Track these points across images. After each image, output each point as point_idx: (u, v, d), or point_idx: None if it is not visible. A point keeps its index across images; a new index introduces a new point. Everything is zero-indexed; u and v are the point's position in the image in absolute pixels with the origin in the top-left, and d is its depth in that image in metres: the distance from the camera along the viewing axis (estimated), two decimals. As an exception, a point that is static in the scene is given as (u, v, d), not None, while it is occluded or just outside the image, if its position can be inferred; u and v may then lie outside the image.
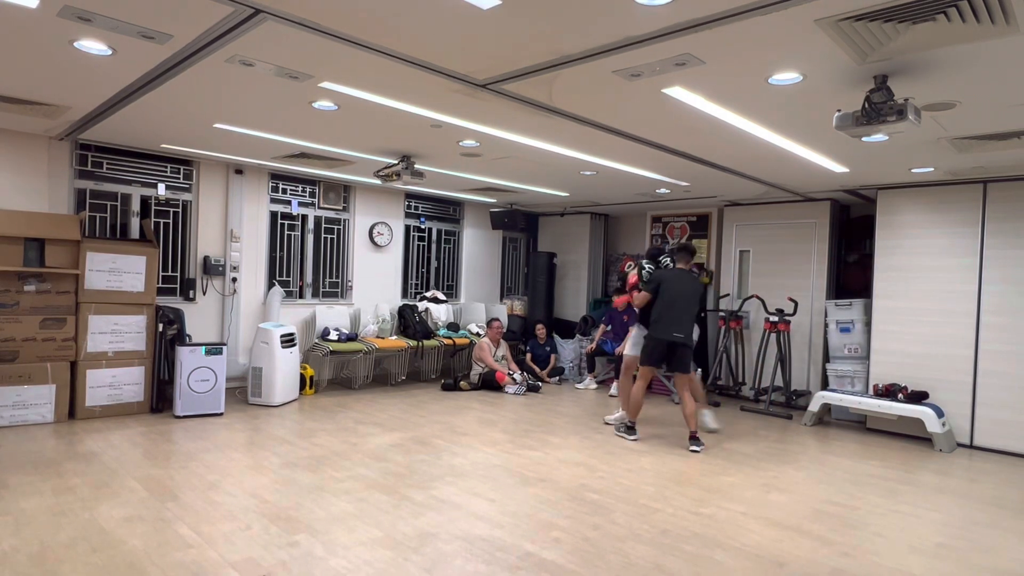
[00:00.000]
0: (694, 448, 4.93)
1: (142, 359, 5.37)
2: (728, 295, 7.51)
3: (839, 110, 3.15)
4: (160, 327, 5.45)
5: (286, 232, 6.95)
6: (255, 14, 2.65)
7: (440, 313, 7.92)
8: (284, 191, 6.87)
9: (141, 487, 3.62)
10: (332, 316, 7.04)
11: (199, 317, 6.21)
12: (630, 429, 5.25)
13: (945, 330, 5.64)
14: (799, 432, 5.80)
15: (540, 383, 7.42)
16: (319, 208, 7.18)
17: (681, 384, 5.24)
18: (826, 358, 6.68)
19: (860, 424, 6.16)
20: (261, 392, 5.85)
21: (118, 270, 5.26)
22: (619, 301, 7.70)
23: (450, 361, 7.78)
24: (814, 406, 6.09)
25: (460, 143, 4.89)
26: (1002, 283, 5.39)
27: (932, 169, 5.14)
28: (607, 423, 5.68)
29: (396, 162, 5.53)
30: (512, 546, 3.05)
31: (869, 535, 3.40)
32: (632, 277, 5.87)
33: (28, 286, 4.85)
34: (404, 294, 8.07)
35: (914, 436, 5.67)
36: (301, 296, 7.11)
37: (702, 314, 7.68)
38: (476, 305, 8.59)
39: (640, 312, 5.51)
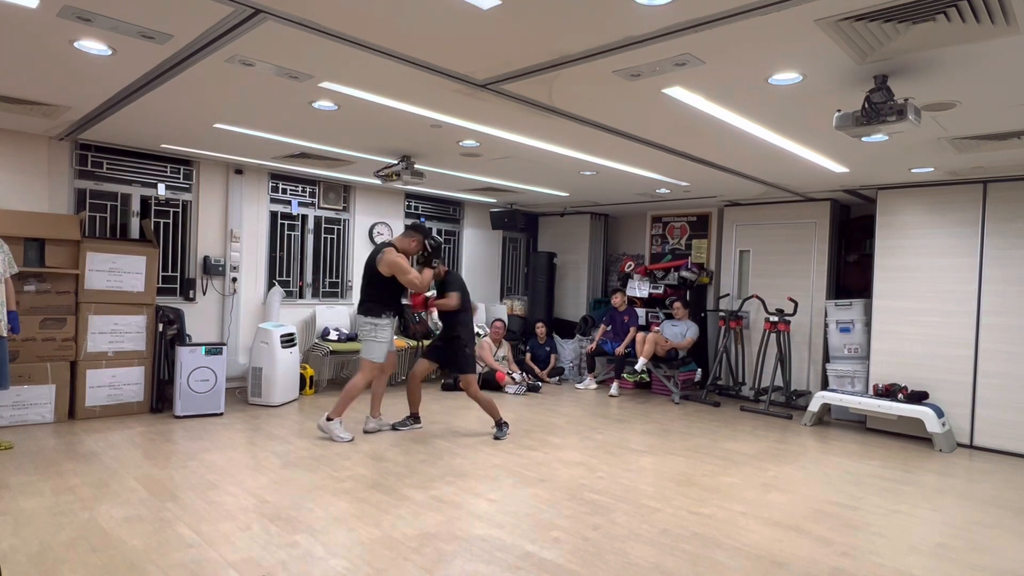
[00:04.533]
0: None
1: (142, 359, 5.37)
2: (728, 295, 7.50)
3: (839, 110, 3.15)
4: (160, 327, 5.46)
5: (286, 232, 6.95)
6: (255, 14, 2.65)
7: (440, 313, 7.91)
8: (284, 191, 6.87)
9: (141, 487, 3.62)
10: (332, 316, 7.04)
11: (199, 317, 6.21)
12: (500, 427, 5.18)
13: (945, 330, 5.64)
14: (799, 432, 5.80)
15: (540, 383, 7.42)
16: (319, 208, 7.18)
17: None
18: (826, 358, 6.68)
19: (860, 424, 6.16)
20: (261, 392, 5.85)
21: (118, 270, 5.26)
22: (617, 300, 7.71)
23: (450, 361, 7.76)
24: (814, 406, 6.09)
25: (460, 143, 4.89)
26: (1002, 283, 5.38)
27: (932, 169, 5.14)
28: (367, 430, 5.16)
29: (396, 162, 5.53)
30: (512, 546, 3.05)
31: (869, 535, 3.40)
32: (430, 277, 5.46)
33: (28, 286, 4.85)
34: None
35: (914, 436, 5.66)
36: (301, 296, 7.11)
37: (702, 314, 7.70)
38: (476, 305, 8.58)
39: (453, 314, 5.38)
